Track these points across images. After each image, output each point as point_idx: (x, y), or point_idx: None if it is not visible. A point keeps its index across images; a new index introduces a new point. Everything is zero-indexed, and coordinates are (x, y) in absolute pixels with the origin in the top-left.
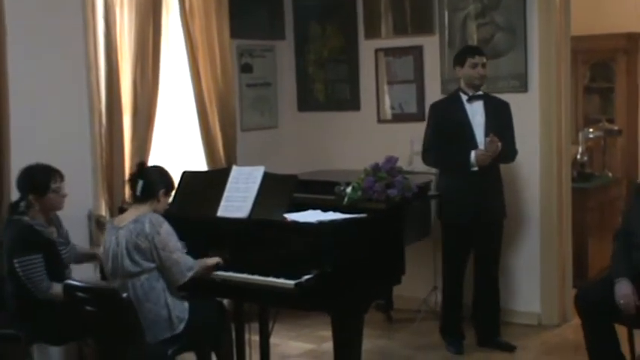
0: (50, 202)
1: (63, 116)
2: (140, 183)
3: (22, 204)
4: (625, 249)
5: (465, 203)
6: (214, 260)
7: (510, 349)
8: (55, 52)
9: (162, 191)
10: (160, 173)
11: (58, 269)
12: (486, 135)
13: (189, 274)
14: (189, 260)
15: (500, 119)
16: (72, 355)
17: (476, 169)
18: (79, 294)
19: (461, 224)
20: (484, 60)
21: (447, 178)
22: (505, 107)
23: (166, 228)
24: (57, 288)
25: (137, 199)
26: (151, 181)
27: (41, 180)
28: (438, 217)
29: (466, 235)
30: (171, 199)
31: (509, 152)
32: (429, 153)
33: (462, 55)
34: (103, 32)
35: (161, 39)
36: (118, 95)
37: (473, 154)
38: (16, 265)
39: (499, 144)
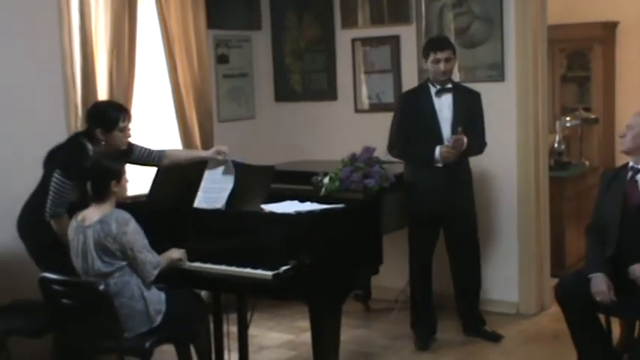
0: (114, 140)
1: (38, 108)
2: (89, 184)
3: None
4: (598, 243)
5: (429, 198)
6: (178, 254)
7: (496, 338)
8: (29, 44)
9: (113, 183)
10: (102, 166)
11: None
12: (453, 130)
13: (156, 272)
14: (155, 258)
15: (469, 111)
16: (48, 348)
17: (440, 165)
18: (56, 287)
19: (424, 218)
20: (447, 55)
21: (413, 170)
22: (475, 98)
23: (133, 226)
24: (62, 223)
25: (94, 199)
26: (97, 178)
27: (111, 116)
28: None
29: (430, 229)
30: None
31: (476, 146)
32: (394, 145)
33: (426, 48)
34: (77, 23)
35: (137, 30)
36: (93, 87)
37: (437, 150)
38: (55, 176)
39: (465, 140)
